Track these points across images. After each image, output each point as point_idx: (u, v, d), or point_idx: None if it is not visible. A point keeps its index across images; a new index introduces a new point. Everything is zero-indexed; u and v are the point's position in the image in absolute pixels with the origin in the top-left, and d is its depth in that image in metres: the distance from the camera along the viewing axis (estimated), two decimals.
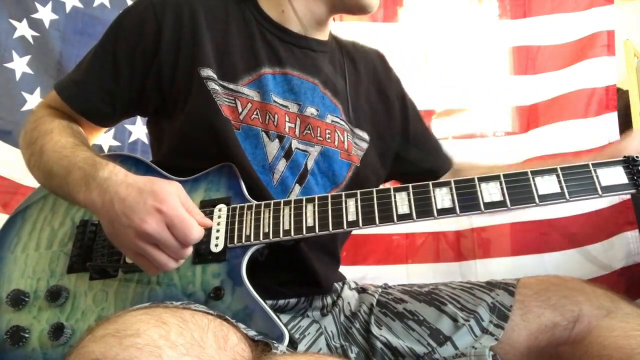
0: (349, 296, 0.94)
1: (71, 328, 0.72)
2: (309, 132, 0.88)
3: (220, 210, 0.77)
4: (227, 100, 0.84)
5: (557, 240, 1.90)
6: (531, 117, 2.07)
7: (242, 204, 0.77)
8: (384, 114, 1.02)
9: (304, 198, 0.75)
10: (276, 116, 0.85)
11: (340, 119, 0.93)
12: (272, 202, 0.76)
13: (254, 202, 0.77)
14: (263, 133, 0.85)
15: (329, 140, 0.90)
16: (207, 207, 0.78)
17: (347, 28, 2.03)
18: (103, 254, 0.78)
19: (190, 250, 0.69)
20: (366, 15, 2.03)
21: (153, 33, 0.84)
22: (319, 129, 0.89)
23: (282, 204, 0.75)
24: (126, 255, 0.72)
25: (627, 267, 1.84)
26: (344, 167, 0.91)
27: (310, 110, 0.89)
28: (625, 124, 2.09)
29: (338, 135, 0.91)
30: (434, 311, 0.84)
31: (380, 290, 0.94)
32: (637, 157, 0.68)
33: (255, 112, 0.85)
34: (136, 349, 0.46)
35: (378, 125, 0.99)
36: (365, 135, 0.96)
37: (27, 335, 0.73)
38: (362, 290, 0.96)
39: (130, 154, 0.90)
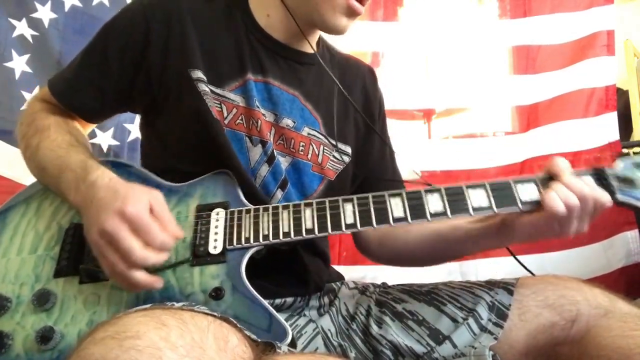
0: (347, 296, 0.94)
1: (60, 332, 0.70)
2: (282, 142, 0.89)
3: (217, 213, 0.78)
4: (215, 103, 0.85)
5: (557, 240, 1.89)
6: (531, 117, 2.07)
7: (241, 208, 0.78)
8: (366, 132, 1.01)
9: (302, 202, 0.76)
10: (259, 122, 0.86)
11: (319, 133, 0.93)
12: (270, 206, 0.77)
13: (252, 207, 0.78)
14: (247, 138, 0.86)
15: (301, 153, 0.90)
16: (203, 210, 0.78)
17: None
18: (95, 258, 0.75)
19: (151, 260, 0.67)
20: (366, 15, 2.06)
21: (142, 32, 0.86)
22: (292, 140, 0.90)
23: (280, 208, 0.76)
24: (93, 252, 0.71)
25: (627, 267, 1.85)
26: (315, 180, 0.92)
27: (286, 122, 0.89)
28: (625, 124, 2.09)
29: (313, 149, 0.92)
30: (434, 311, 0.84)
31: (379, 289, 0.94)
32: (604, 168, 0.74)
33: (240, 118, 0.86)
34: (136, 351, 0.46)
35: (358, 142, 0.99)
36: (349, 150, 0.97)
37: (10, 342, 0.70)
38: (362, 290, 0.95)
39: (123, 160, 0.89)
